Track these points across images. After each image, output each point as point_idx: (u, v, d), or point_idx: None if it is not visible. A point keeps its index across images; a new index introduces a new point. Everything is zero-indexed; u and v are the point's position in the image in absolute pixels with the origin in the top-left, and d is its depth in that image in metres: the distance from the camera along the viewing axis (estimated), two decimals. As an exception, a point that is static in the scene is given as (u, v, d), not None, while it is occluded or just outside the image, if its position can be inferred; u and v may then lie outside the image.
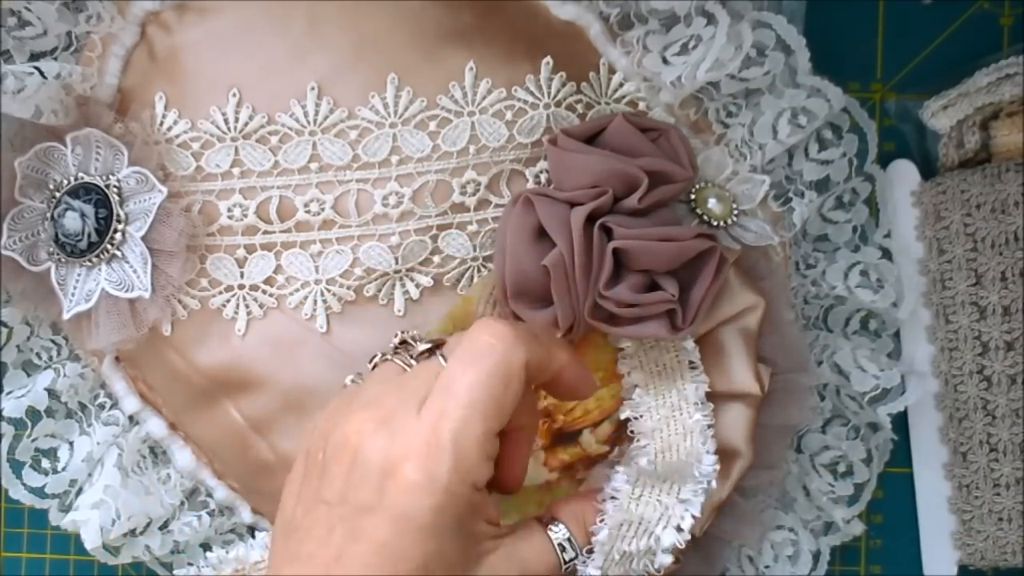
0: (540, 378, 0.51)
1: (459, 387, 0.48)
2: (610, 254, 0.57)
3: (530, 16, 0.62)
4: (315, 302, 0.61)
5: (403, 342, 0.54)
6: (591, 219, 0.58)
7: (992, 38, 0.68)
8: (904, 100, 0.68)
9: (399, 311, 0.61)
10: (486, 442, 0.48)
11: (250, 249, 0.61)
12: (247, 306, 0.61)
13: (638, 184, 0.58)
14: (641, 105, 0.63)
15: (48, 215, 0.61)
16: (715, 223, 0.62)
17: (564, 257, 0.57)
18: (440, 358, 0.51)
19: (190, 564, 0.66)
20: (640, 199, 0.58)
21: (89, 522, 0.63)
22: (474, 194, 0.60)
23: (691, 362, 0.60)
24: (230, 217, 0.61)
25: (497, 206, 0.61)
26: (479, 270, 0.61)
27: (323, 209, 0.60)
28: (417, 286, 0.61)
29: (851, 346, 0.66)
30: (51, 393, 0.65)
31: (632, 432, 0.59)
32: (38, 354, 0.66)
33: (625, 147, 0.59)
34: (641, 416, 0.60)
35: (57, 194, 0.60)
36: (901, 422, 0.68)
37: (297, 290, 0.61)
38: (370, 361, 0.55)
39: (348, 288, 0.61)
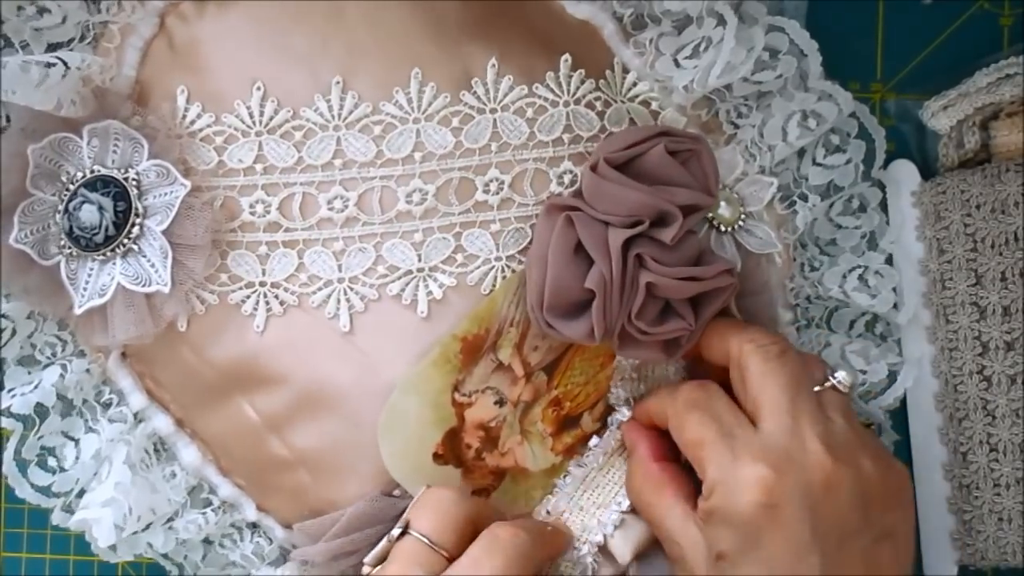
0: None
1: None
2: (644, 288, 0.58)
3: (546, 15, 0.62)
4: (338, 301, 0.60)
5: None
6: (626, 241, 0.58)
7: (992, 38, 0.68)
8: (904, 100, 0.68)
9: (422, 312, 0.60)
10: None
11: (272, 246, 0.60)
12: (267, 303, 0.60)
13: (672, 220, 0.58)
14: (653, 105, 0.63)
15: (61, 208, 0.59)
16: (724, 228, 0.63)
17: (605, 279, 0.58)
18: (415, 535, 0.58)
19: None
20: (672, 237, 0.58)
21: (101, 520, 0.61)
22: (497, 192, 0.60)
23: None
24: (252, 213, 0.60)
25: (520, 205, 0.60)
26: (502, 271, 0.61)
27: (346, 206, 0.59)
28: (440, 286, 0.60)
29: (841, 342, 0.66)
30: (57, 390, 0.63)
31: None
32: (41, 350, 0.64)
33: (662, 176, 0.59)
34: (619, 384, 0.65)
35: (71, 187, 0.59)
36: (901, 422, 0.68)
37: (320, 288, 0.60)
38: None
39: (371, 287, 0.60)
